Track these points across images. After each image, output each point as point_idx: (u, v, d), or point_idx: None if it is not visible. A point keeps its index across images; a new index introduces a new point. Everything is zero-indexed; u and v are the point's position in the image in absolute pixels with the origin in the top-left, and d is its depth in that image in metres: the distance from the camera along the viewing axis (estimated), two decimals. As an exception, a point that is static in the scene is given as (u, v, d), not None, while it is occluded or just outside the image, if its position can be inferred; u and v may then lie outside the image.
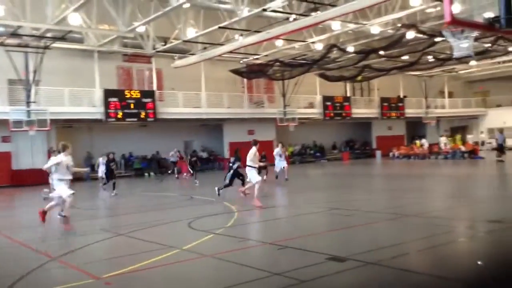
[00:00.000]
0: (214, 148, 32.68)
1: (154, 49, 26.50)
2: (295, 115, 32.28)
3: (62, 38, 22.01)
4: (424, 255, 6.60)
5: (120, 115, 25.81)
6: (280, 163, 18.82)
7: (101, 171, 19.47)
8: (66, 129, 27.06)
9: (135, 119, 26.62)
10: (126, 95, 26.27)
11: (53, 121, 23.74)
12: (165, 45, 25.92)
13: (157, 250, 7.33)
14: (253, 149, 12.46)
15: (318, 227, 9.23)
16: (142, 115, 26.54)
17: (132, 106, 26.16)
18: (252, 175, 12.29)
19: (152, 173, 29.19)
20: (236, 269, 6.07)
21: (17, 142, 24.77)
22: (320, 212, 11.12)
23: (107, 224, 10.76)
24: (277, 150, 19.25)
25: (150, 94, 27.23)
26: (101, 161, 19.81)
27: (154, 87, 27.97)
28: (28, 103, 22.60)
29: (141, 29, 23.39)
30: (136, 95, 26.58)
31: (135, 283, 5.77)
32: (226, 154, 32.13)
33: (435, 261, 6.25)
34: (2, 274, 6.26)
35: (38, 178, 24.56)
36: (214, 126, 32.36)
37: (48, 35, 21.67)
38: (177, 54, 27.31)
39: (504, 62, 36.20)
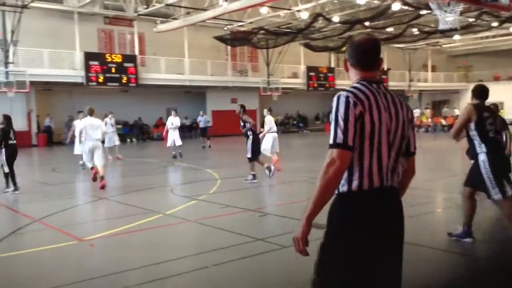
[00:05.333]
0: (197, 116, 32.44)
1: (136, 12, 25.84)
2: (278, 85, 32.18)
3: (41, -3, 21.31)
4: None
5: (101, 79, 25.31)
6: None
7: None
8: (46, 91, 26.56)
9: (117, 84, 26.16)
10: (107, 59, 25.72)
11: (32, 83, 23.20)
12: (147, 8, 25.29)
13: (140, 214, 7.38)
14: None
15: (300, 195, 9.36)
16: (124, 80, 26.08)
17: (113, 70, 25.64)
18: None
19: (134, 139, 29.01)
20: (220, 234, 6.17)
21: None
22: (302, 180, 11.25)
23: (89, 188, 10.72)
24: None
25: (131, 58, 26.71)
26: (109, 121, 16.99)
27: (136, 52, 27.44)
28: (6, 64, 21.98)
29: (123, -9, 22.75)
30: (118, 59, 26.06)
31: (118, 246, 5.83)
32: (210, 122, 32.04)
33: (413, 230, 6.44)
34: (-17, 235, 6.25)
35: (19, 141, 24.25)
36: (197, 93, 32.07)
37: (27, -7, 20.95)
38: (160, 18, 26.69)
39: (487, 37, 36.44)
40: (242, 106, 10.94)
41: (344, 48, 31.45)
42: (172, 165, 15.16)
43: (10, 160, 9.77)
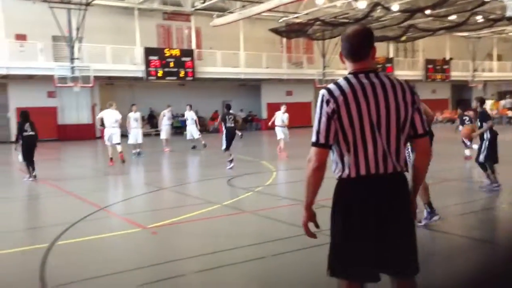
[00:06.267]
0: (252, 109, 32.70)
1: (193, 7, 26.32)
2: (334, 77, 31.68)
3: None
4: (465, 219, 6.53)
5: (160, 73, 26.06)
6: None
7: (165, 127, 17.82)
8: (108, 86, 27.68)
9: (175, 78, 26.84)
10: (166, 53, 26.43)
11: (96, 78, 24.25)
12: (204, 2, 25.69)
13: (199, 204, 7.56)
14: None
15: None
16: (182, 74, 26.70)
17: (171, 64, 26.32)
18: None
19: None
20: (277, 226, 6.19)
21: (61, 98, 25.59)
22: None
23: (150, 178, 11.12)
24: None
25: (189, 53, 27.27)
26: (167, 114, 18.10)
27: (193, 46, 27.97)
28: (72, 59, 23.09)
29: (181, -14, 23.23)
30: (176, 53, 26.70)
31: (179, 234, 6.01)
32: (264, 115, 32.17)
33: (475, 225, 6.18)
34: (53, 222, 6.64)
35: (84, 133, 25.56)
36: (252, 86, 32.26)
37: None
38: (216, 12, 27.06)
39: (560, 23, 34.02)
40: (227, 106, 13.06)
41: (404, 38, 30.52)
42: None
43: (27, 150, 10.79)
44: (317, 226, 2.54)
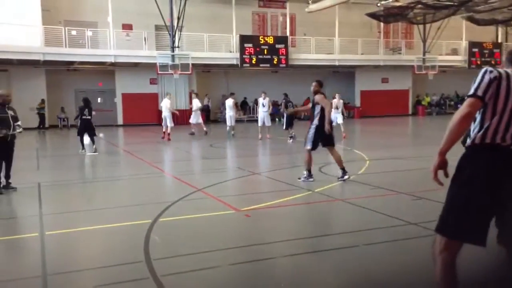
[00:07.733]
0: (345, 96, 32.02)
1: (289, -7, 26.29)
2: (435, 63, 30.00)
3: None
4: None
5: (254, 60, 26.46)
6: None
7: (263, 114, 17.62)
8: (205, 73, 28.73)
9: (268, 65, 27.09)
10: (261, 41, 26.74)
11: (194, 66, 25.28)
12: (300, -11, 25.54)
13: (290, 190, 7.63)
14: None
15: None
16: (275, 61, 26.88)
17: (265, 52, 26.58)
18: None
19: (282, 119, 29.83)
20: (370, 215, 6.07)
21: (162, 84, 27.04)
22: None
23: (243, 163, 11.42)
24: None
25: (283, 40, 27.33)
26: (262, 101, 17.88)
27: (287, 33, 27.98)
28: (172, 48, 24.26)
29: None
30: (270, 40, 26.91)
31: (271, 218, 6.12)
32: (358, 102, 31.40)
33: None
34: (156, 200, 7.11)
35: (181, 119, 26.82)
36: (346, 73, 31.59)
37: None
38: (312, -2, 26.78)
39: None
40: (286, 94, 18.18)
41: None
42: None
43: (84, 129, 13.04)
44: (446, 175, 2.73)
